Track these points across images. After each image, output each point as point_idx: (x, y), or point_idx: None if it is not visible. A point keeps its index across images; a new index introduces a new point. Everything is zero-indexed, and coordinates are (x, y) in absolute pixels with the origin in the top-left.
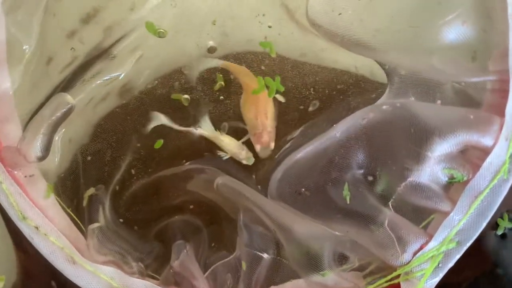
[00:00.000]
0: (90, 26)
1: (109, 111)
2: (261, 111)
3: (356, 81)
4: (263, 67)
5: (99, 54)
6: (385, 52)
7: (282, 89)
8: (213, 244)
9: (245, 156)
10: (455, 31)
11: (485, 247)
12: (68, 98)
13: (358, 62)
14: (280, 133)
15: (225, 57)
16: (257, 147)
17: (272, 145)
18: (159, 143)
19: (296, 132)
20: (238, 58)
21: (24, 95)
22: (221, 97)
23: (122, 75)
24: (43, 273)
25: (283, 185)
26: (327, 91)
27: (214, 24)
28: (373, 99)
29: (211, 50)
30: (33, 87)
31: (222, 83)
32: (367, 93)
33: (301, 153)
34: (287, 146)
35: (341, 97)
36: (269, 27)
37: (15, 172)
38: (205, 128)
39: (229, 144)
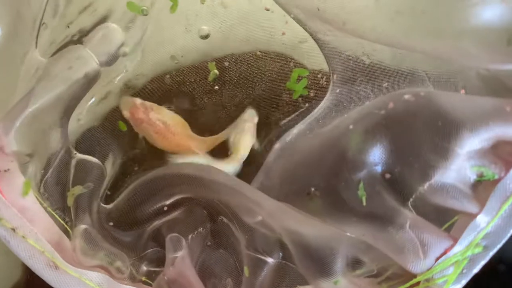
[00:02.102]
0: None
1: (109, 110)
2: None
3: (364, 68)
4: (258, 53)
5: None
6: (406, 37)
7: (306, 92)
8: (208, 243)
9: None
10: (491, 10)
11: None
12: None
13: (366, 48)
14: (277, 125)
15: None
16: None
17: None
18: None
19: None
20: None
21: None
22: (216, 87)
23: None
24: None
25: (288, 184)
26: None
27: (203, 3)
28: (385, 88)
29: (204, 36)
30: None
31: (216, 71)
32: (378, 81)
33: (308, 148)
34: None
35: (348, 85)
36: (267, 9)
37: None
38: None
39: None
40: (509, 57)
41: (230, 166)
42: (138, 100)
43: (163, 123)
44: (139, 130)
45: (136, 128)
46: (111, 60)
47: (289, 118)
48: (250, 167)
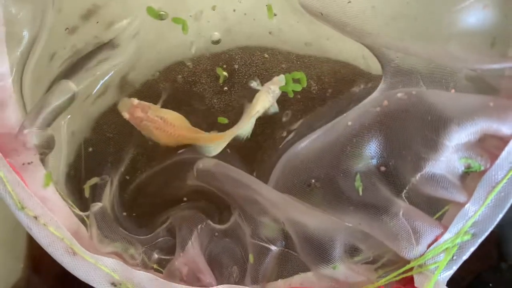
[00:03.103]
0: (91, 21)
1: (111, 105)
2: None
3: (363, 70)
4: (266, 55)
5: (102, 46)
6: (400, 40)
7: (292, 95)
8: (216, 234)
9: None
10: (475, 15)
11: (489, 241)
12: (71, 85)
13: (366, 51)
14: (283, 123)
15: (230, 50)
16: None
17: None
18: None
19: (299, 123)
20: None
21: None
22: (225, 88)
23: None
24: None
25: (290, 177)
26: (333, 81)
27: (214, 10)
28: (383, 89)
29: (215, 42)
30: (36, 82)
31: (226, 74)
32: (377, 82)
33: (309, 143)
34: (290, 137)
35: (348, 87)
36: (274, 15)
37: (13, 159)
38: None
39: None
40: (493, 58)
41: (242, 123)
42: (135, 100)
43: (161, 118)
44: (141, 128)
45: (138, 128)
46: None
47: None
48: (264, 165)
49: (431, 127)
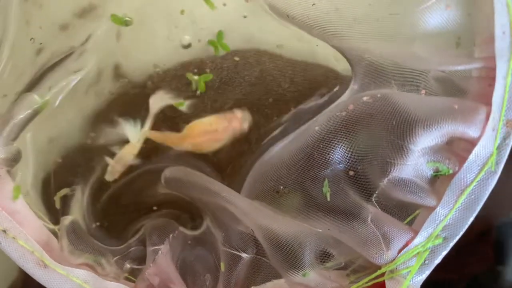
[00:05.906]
0: (83, 19)
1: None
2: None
3: (336, 72)
4: (236, 58)
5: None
6: (364, 42)
7: (228, 49)
8: (189, 242)
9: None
10: (438, 16)
11: (485, 244)
12: (35, 98)
13: (338, 53)
14: (258, 128)
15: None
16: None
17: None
18: None
19: (274, 127)
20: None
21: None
22: (198, 92)
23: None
24: None
25: (260, 184)
26: (306, 84)
27: (183, 14)
28: (355, 91)
29: (185, 46)
30: (19, 75)
31: (195, 77)
32: (349, 84)
33: (278, 149)
34: (265, 141)
35: (321, 89)
36: (244, 17)
37: None
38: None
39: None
40: (458, 59)
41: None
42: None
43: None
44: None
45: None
46: None
47: (272, 123)
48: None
49: (396, 131)
